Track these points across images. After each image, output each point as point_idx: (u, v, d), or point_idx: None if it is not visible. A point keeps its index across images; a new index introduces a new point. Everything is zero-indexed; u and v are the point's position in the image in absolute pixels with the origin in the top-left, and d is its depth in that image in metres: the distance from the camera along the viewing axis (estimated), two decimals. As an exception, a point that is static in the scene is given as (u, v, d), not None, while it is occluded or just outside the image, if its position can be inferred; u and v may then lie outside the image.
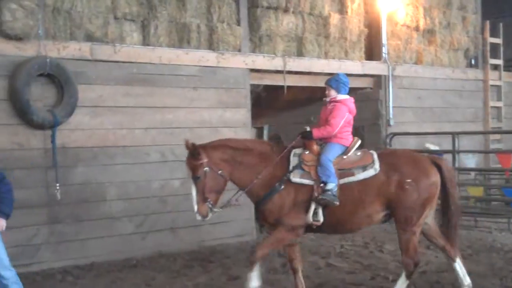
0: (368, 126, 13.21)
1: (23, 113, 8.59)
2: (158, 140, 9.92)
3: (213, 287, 7.98)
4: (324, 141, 7.04)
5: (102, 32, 9.48)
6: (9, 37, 8.54)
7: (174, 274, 8.61)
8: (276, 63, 11.39)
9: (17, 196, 8.45)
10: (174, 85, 10.11)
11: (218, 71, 10.59)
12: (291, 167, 6.83)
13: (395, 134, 12.95)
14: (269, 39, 11.38)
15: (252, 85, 11.49)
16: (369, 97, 13.28)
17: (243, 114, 10.97)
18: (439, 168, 7.12)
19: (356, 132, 13.02)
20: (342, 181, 6.83)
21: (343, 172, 6.88)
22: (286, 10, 11.56)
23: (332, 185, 6.72)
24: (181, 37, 10.30)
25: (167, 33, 10.18)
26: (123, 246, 9.48)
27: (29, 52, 8.73)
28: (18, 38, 8.60)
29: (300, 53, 11.78)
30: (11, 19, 8.45)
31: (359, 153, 7.07)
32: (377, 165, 6.88)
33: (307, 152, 6.92)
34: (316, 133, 6.98)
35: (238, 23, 10.97)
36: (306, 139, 7.00)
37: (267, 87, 12.32)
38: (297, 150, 6.96)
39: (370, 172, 6.86)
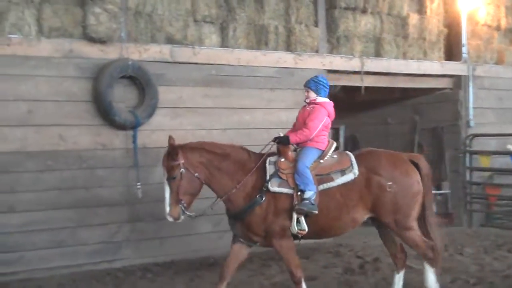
0: (447, 127, 13.01)
1: (106, 114, 8.84)
2: (235, 140, 9.89)
3: (290, 287, 8.00)
4: (300, 146, 6.87)
5: (182, 35, 9.65)
6: (93, 40, 8.81)
7: (251, 273, 8.68)
8: (353, 64, 11.33)
9: (100, 195, 8.83)
10: (251, 86, 10.19)
11: (296, 72, 10.59)
12: (268, 176, 6.63)
13: (475, 135, 12.66)
14: (346, 40, 11.32)
15: (329, 86, 11.44)
16: (449, 98, 13.03)
17: (320, 115, 10.92)
18: (417, 166, 7.02)
19: (435, 132, 13.01)
20: (322, 187, 6.66)
21: (321, 177, 6.69)
22: (364, 11, 11.49)
23: (310, 193, 6.51)
24: (259, 39, 10.38)
25: (245, 35, 10.27)
26: (201, 244, 9.62)
27: (112, 55, 8.98)
28: (101, 41, 8.86)
29: (378, 54, 11.67)
30: (95, 23, 8.72)
31: (335, 156, 6.88)
32: (355, 168, 6.73)
33: (282, 160, 6.70)
34: (293, 138, 6.78)
35: (316, 24, 10.97)
36: (282, 144, 6.79)
37: (344, 88, 12.25)
38: (272, 158, 6.77)
39: (349, 176, 6.71)
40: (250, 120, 10.16)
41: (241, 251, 6.90)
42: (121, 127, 8.98)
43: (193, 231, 9.53)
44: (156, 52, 9.35)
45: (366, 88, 11.66)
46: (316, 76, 7.13)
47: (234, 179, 6.65)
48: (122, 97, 9.08)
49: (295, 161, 6.66)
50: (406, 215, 6.79)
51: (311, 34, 10.79)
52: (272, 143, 6.87)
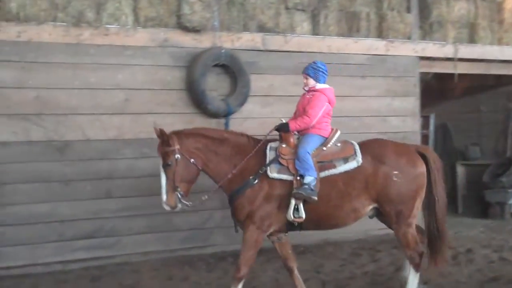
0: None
1: (199, 103, 8.95)
2: (326, 129, 9.96)
3: (382, 276, 7.92)
4: (301, 133, 6.70)
5: (273, 23, 9.66)
6: (187, 29, 8.94)
7: (342, 262, 8.65)
8: (446, 50, 11.02)
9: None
10: (343, 74, 10.06)
11: (387, 59, 10.45)
12: (267, 161, 6.46)
13: None
14: (439, 25, 11.03)
15: (421, 73, 11.22)
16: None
17: (412, 102, 10.74)
18: (424, 158, 6.73)
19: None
20: (323, 174, 6.45)
21: (323, 164, 6.49)
22: (457, -4, 11.19)
23: (310, 179, 6.31)
24: (350, 26, 10.26)
25: (336, 22, 10.16)
26: (291, 232, 9.61)
27: (205, 44, 9.07)
28: (195, 30, 8.97)
29: (471, 40, 11.31)
30: (189, 12, 8.85)
31: (339, 144, 6.67)
32: (359, 157, 6.51)
33: (284, 145, 6.54)
34: (293, 125, 6.63)
35: (408, 10, 10.73)
36: (282, 131, 6.65)
37: (436, 76, 11.98)
38: (273, 144, 6.62)
39: (352, 164, 6.48)
40: (341, 108, 9.93)
41: (281, 238, 6.84)
42: (213, 115, 9.07)
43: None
44: (248, 41, 9.40)
45: (459, 75, 11.36)
46: (314, 62, 6.91)
47: (231, 164, 6.52)
48: (215, 86, 9.17)
49: (296, 147, 6.51)
50: (409, 207, 6.55)
51: (403, 20, 10.58)
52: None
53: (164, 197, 6.33)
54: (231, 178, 6.47)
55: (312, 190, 6.27)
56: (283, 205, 6.41)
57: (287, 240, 6.89)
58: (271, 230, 6.54)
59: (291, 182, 6.38)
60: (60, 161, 8.25)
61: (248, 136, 6.77)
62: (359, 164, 6.48)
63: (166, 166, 6.34)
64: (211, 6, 9.00)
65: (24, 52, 8.11)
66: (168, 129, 8.64)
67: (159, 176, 8.45)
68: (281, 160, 6.44)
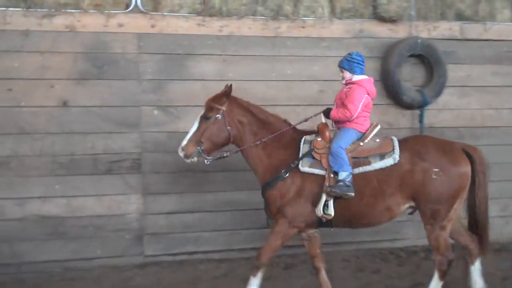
0: None
1: (394, 93, 8.82)
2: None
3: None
4: (339, 127, 6.52)
5: (472, 11, 9.27)
6: (383, 19, 8.84)
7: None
8: None
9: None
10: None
11: None
12: (300, 154, 6.31)
13: None
14: None
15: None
16: None
17: None
18: (471, 158, 6.35)
19: None
20: (357, 170, 6.22)
21: (358, 160, 6.27)
22: None
23: (344, 175, 6.11)
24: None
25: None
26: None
27: (401, 34, 8.93)
28: (391, 20, 8.85)
29: None
30: (386, 2, 8.74)
31: (378, 140, 6.41)
32: (396, 154, 6.24)
33: (319, 139, 6.35)
34: (334, 113, 6.48)
35: None
36: (325, 116, 6.56)
37: None
38: (309, 137, 6.46)
39: (388, 161, 6.23)
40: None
41: (312, 236, 6.68)
42: (408, 106, 8.90)
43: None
44: (446, 30, 9.12)
45: None
46: (349, 54, 6.63)
47: (265, 151, 6.49)
48: (410, 76, 8.99)
49: (331, 141, 6.31)
50: (446, 208, 6.22)
51: None
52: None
53: (184, 142, 6.38)
54: (265, 170, 6.45)
55: (347, 186, 6.13)
56: (315, 201, 6.29)
57: (317, 238, 6.71)
58: (302, 225, 6.42)
59: (323, 177, 6.26)
60: (256, 152, 8.47)
61: (290, 125, 6.67)
62: (396, 161, 6.25)
63: (203, 118, 6.43)
64: (408, -5, 8.84)
65: (225, 46, 8.42)
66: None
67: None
68: (314, 154, 6.32)
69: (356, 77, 6.57)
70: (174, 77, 8.28)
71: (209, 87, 8.24)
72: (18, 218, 7.84)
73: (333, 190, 6.14)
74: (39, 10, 7.84)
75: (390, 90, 8.84)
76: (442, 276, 6.38)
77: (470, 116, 9.25)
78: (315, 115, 6.71)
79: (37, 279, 7.64)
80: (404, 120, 9.02)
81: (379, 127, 6.59)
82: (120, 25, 8.09)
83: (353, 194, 6.15)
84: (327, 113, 6.62)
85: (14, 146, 7.61)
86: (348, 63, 6.57)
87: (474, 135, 9.21)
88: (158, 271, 7.99)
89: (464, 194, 6.39)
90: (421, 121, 8.91)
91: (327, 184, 6.22)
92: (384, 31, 8.90)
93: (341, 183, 6.13)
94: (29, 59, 7.81)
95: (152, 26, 8.19)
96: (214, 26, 8.38)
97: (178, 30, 8.28)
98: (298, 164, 6.32)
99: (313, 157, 6.33)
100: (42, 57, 7.86)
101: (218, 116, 6.42)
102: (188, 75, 8.32)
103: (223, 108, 6.43)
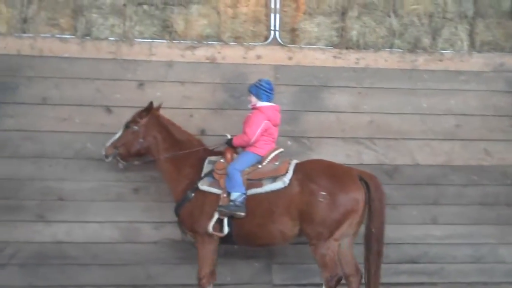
0: None
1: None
2: None
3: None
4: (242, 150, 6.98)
5: None
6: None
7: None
8: None
9: None
10: None
11: None
12: (203, 174, 6.84)
13: None
14: None
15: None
16: None
17: None
18: (367, 185, 6.63)
19: None
20: (250, 192, 6.65)
21: (251, 182, 6.70)
22: None
23: (236, 195, 6.58)
24: None
25: None
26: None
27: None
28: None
29: None
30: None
31: (277, 163, 6.86)
32: (287, 177, 6.60)
33: (222, 160, 6.85)
34: (235, 140, 6.96)
35: None
36: (228, 145, 7.00)
37: None
38: (214, 158, 6.99)
39: (278, 184, 6.61)
40: None
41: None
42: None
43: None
44: None
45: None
46: (259, 80, 7.06)
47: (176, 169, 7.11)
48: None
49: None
50: (331, 231, 6.50)
51: None
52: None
53: (108, 143, 7.20)
54: (175, 186, 7.05)
55: (237, 206, 6.57)
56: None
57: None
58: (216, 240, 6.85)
59: (219, 196, 6.72)
60: (389, 184, 8.33)
61: (204, 146, 7.27)
62: (285, 184, 6.61)
63: (126, 126, 7.21)
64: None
65: (361, 78, 8.43)
66: (500, 156, 8.47)
67: (488, 205, 8.34)
68: (214, 174, 6.81)
69: (260, 103, 6.98)
70: (308, 108, 8.37)
71: (343, 119, 8.29)
72: (153, 241, 8.13)
73: (222, 209, 6.62)
74: (182, 42, 8.20)
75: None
76: None
77: None
78: (218, 146, 7.23)
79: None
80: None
81: (279, 150, 7.01)
82: (259, 57, 8.29)
83: (243, 214, 6.60)
84: (229, 141, 7.06)
85: (153, 172, 7.86)
86: (256, 89, 7.00)
87: None
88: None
89: (354, 220, 6.61)
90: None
91: (220, 203, 6.68)
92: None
93: (231, 203, 6.60)
94: (172, 88, 8.14)
95: (289, 58, 8.33)
96: (350, 59, 8.41)
97: (314, 62, 8.37)
98: (199, 183, 6.85)
99: (213, 177, 6.83)
100: (183, 87, 8.18)
101: (135, 128, 7.14)
102: (322, 106, 8.38)
103: (142, 121, 7.14)
